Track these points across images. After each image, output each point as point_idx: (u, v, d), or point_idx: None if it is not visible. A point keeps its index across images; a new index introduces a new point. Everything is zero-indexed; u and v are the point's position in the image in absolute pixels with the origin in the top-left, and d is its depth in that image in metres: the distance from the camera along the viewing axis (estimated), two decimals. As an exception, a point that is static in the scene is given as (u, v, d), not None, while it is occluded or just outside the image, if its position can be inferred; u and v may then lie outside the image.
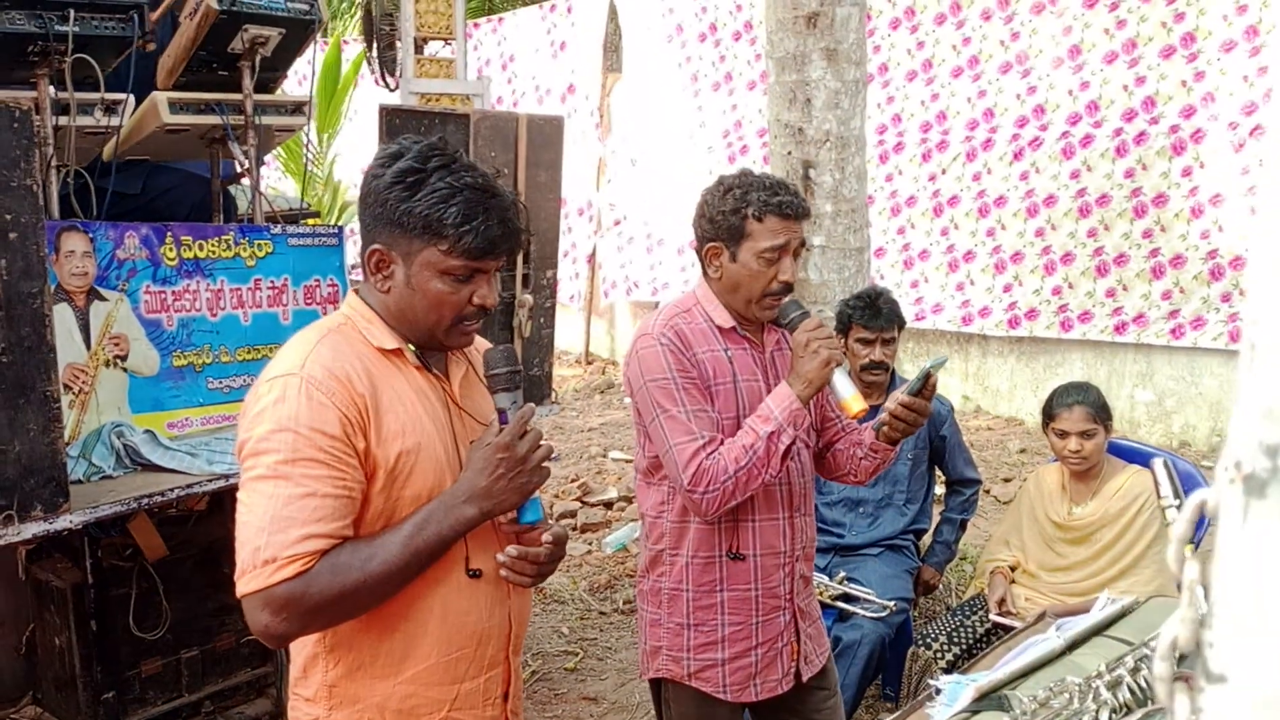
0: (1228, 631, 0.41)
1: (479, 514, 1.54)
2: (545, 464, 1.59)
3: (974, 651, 3.18)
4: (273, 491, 1.44)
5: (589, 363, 9.93)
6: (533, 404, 1.64)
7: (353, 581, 1.45)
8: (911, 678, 3.24)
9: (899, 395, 2.14)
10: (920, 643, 3.25)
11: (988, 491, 5.80)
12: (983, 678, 1.51)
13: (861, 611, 3.29)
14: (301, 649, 1.60)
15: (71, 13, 2.70)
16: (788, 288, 2.13)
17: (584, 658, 4.10)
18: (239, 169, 3.28)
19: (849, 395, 2.04)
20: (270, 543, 1.42)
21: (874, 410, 2.27)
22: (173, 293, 2.98)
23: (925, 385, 2.12)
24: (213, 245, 3.06)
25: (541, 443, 1.59)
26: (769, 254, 2.09)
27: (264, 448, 1.45)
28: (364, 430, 1.49)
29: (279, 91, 3.72)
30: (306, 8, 3.18)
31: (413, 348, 1.61)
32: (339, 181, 9.75)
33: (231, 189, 3.59)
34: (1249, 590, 0.41)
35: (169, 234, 2.95)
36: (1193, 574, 0.44)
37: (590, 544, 5.27)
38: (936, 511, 3.82)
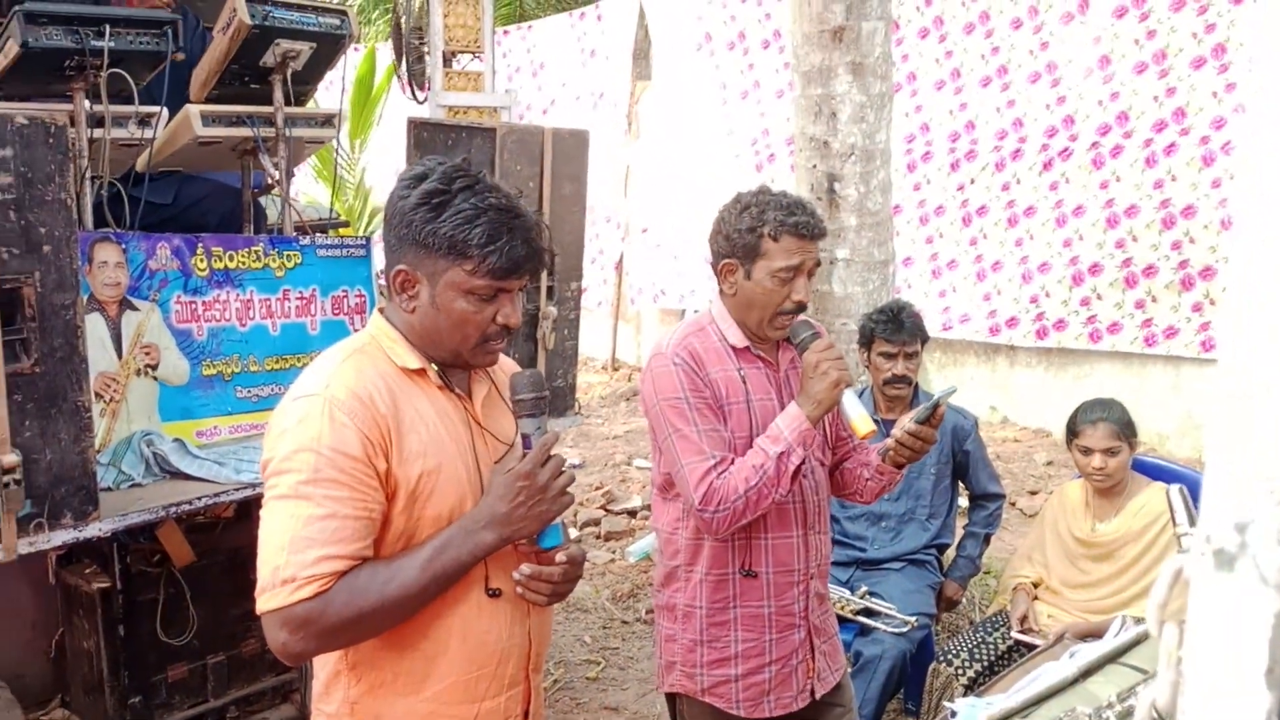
0: (1197, 700, 0.42)
1: (498, 540, 1.55)
2: (567, 492, 1.61)
3: (996, 669, 3.17)
4: (293, 511, 1.47)
5: (615, 369, 9.95)
6: (557, 431, 1.66)
7: (370, 603, 1.47)
8: (933, 694, 3.23)
9: (906, 422, 2.15)
10: (941, 659, 3.24)
11: (1013, 504, 5.76)
12: (998, 702, 1.51)
13: (883, 626, 3.28)
14: (324, 666, 1.63)
15: (107, 29, 2.75)
16: (801, 307, 2.14)
17: (606, 667, 4.11)
18: (269, 180, 3.33)
19: (857, 416, 2.04)
20: (290, 562, 1.45)
21: (890, 427, 2.28)
22: (203, 303, 3.03)
23: (933, 414, 2.13)
24: (243, 256, 3.11)
25: (564, 469, 1.60)
26: (783, 273, 2.10)
27: (286, 467, 1.48)
28: (385, 451, 1.51)
29: (310, 104, 3.77)
30: (338, 23, 3.22)
31: (436, 367, 1.63)
32: (370, 188, 9.84)
33: (262, 200, 3.64)
34: (1218, 657, 0.42)
35: (200, 245, 3.00)
36: (1171, 640, 0.46)
37: (614, 552, 5.29)
38: (960, 526, 3.80)
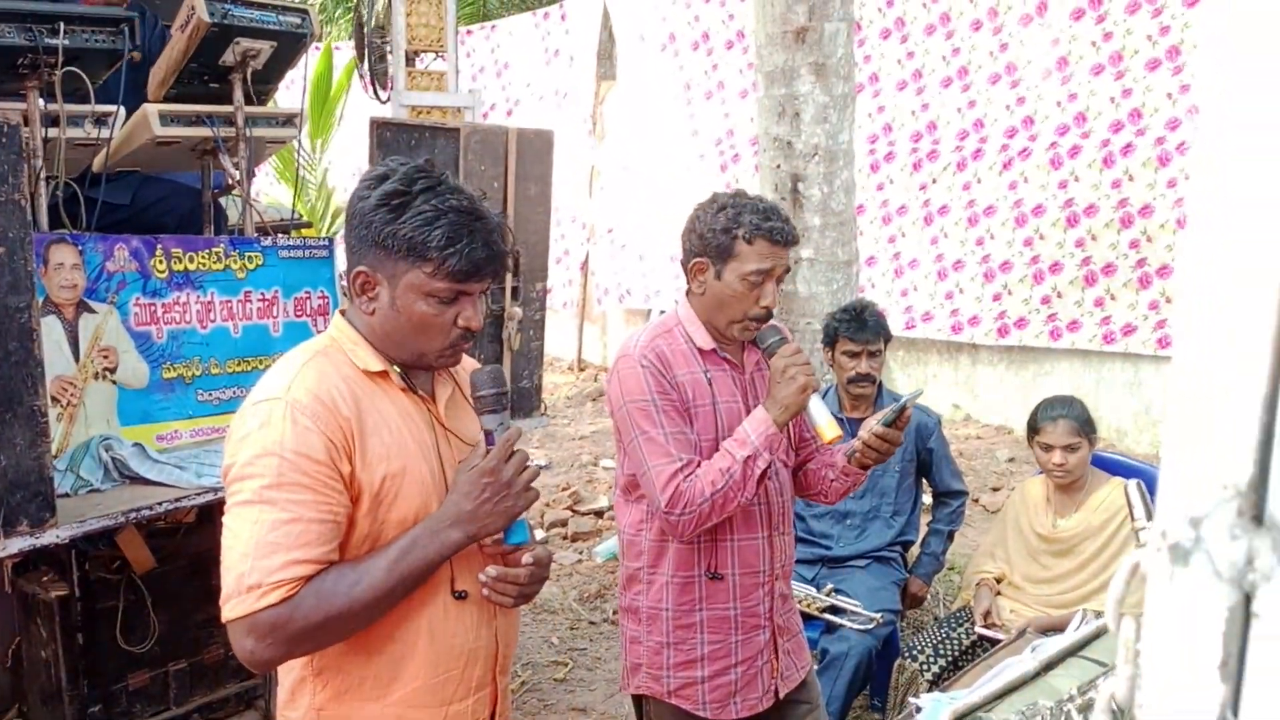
0: (1154, 693, 0.43)
1: (464, 538, 1.55)
2: (531, 487, 1.60)
3: (960, 664, 3.20)
4: (258, 517, 1.45)
5: (581, 370, 9.94)
6: (519, 426, 1.66)
7: (338, 607, 1.46)
8: (898, 690, 3.26)
9: (872, 425, 2.17)
10: (907, 655, 3.26)
11: (976, 501, 5.82)
12: (961, 696, 1.53)
13: (848, 623, 3.30)
14: (289, 672, 1.61)
15: (61, 26, 2.71)
16: (768, 313, 2.16)
17: (573, 668, 4.11)
18: (230, 180, 3.29)
19: (824, 422, 2.07)
20: (255, 568, 1.43)
21: (855, 426, 2.29)
22: (162, 305, 2.99)
23: (900, 416, 2.15)
24: (203, 257, 3.07)
25: (528, 465, 1.60)
26: (754, 277, 2.11)
27: (249, 473, 1.46)
28: (349, 454, 1.50)
29: (271, 103, 3.73)
30: (298, 21, 3.19)
31: (398, 369, 1.62)
32: (332, 188, 9.76)
33: (222, 200, 3.60)
34: (1174, 651, 0.42)
35: (159, 246, 2.97)
36: (1129, 633, 0.46)
37: (581, 553, 5.28)
38: (924, 523, 3.84)
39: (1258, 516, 0.37)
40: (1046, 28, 6.69)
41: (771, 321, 2.19)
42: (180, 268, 3.01)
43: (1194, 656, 0.41)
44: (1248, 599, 0.39)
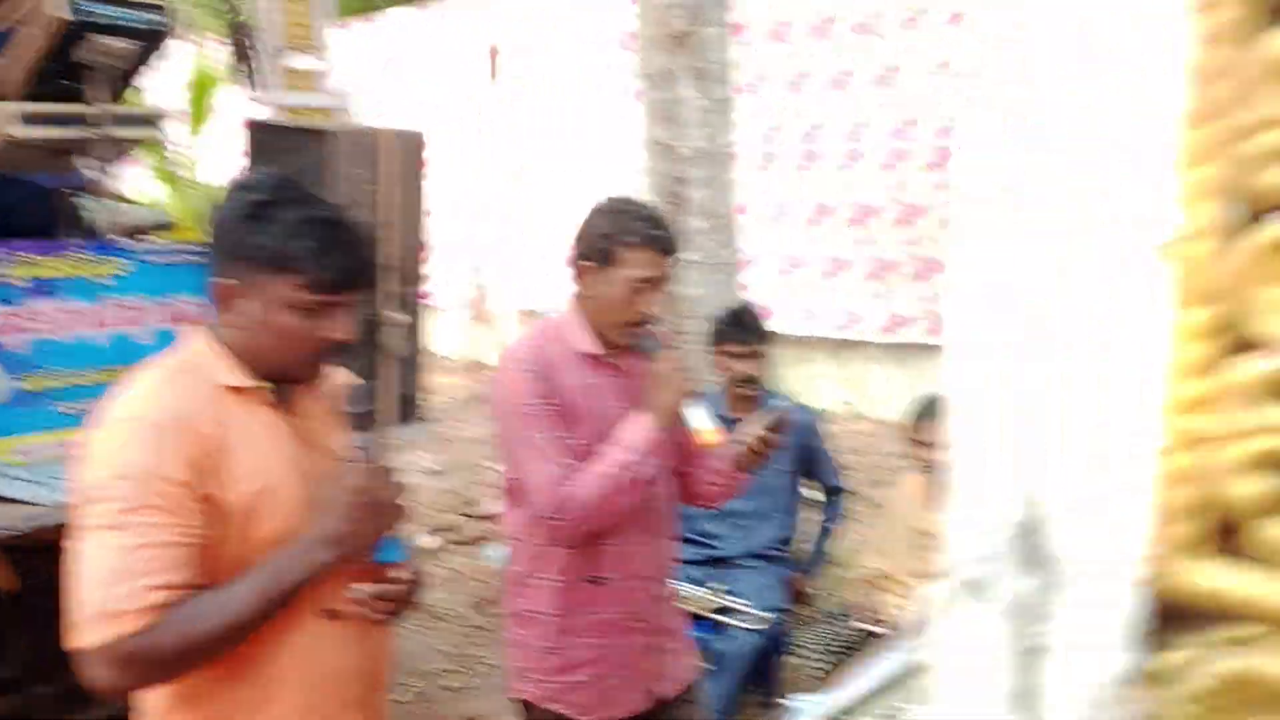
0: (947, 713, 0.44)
1: (333, 558, 1.51)
2: (400, 504, 1.57)
3: (845, 659, 3.27)
4: (112, 542, 1.39)
5: (474, 371, 9.84)
6: (387, 441, 1.63)
7: (200, 633, 1.41)
8: (785, 687, 3.31)
9: (754, 429, 2.21)
10: (795, 652, 3.32)
11: (863, 496, 5.94)
12: (833, 697, 1.56)
13: (737, 623, 3.34)
14: (155, 699, 1.55)
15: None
16: (649, 319, 2.17)
17: (468, 675, 4.06)
18: (91, 182, 3.16)
19: (702, 427, 2.09)
20: (110, 595, 1.37)
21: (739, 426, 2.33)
22: (19, 313, 2.85)
23: (778, 423, 2.20)
24: (63, 263, 2.94)
25: (397, 481, 1.57)
26: (637, 284, 2.13)
27: (103, 495, 1.40)
28: (210, 474, 1.45)
29: (134, 100, 3.59)
30: (157, 18, 3.09)
31: (263, 384, 1.57)
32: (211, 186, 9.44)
33: (84, 202, 3.44)
34: (969, 682, 0.44)
35: (15, 252, 2.83)
36: (931, 664, 0.48)
37: (473, 558, 5.23)
38: (809, 520, 3.90)
39: (1037, 556, 0.39)
40: (927, 30, 6.88)
41: (649, 328, 2.20)
42: (38, 274, 2.88)
43: (986, 686, 0.42)
44: (1032, 632, 0.41)
